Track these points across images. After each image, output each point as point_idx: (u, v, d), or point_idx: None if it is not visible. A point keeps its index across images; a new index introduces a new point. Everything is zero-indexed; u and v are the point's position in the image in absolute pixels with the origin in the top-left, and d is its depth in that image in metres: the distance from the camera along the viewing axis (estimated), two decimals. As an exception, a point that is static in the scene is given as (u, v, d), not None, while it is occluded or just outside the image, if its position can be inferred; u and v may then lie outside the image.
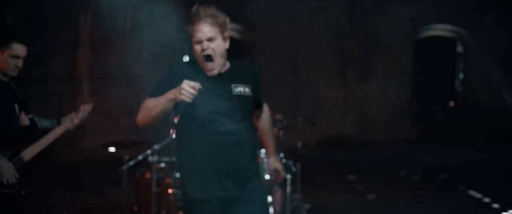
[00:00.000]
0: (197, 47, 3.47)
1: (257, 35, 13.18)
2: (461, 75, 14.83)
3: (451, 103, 14.88)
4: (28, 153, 4.39)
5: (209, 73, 3.51)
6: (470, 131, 13.97)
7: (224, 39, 3.53)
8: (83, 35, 12.06)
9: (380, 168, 11.03)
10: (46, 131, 4.60)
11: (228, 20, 3.55)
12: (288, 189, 6.30)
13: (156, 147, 6.22)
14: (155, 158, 6.18)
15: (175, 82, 3.38)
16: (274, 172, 4.21)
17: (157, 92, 3.53)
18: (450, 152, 12.48)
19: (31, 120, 4.60)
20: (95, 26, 11.82)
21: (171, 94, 3.36)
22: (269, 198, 5.90)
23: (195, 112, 3.49)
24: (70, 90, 11.73)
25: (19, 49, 4.34)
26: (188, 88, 3.24)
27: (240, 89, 3.59)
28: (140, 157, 6.57)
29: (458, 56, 14.87)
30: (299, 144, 6.77)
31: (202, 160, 3.53)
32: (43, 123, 4.72)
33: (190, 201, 3.61)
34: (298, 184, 6.53)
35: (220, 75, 3.57)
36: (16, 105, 4.44)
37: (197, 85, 3.27)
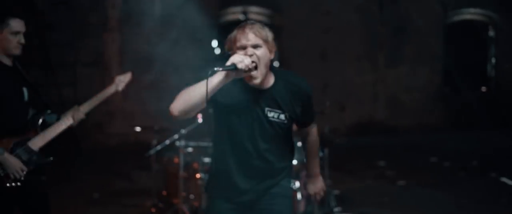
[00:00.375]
0: (241, 54, 3.24)
1: (285, 20, 13.10)
2: (493, 60, 14.60)
3: (483, 88, 14.67)
4: (35, 143, 4.21)
5: (251, 82, 3.30)
6: (502, 116, 13.74)
7: (269, 50, 3.31)
8: (112, 20, 12.11)
9: (410, 153, 10.93)
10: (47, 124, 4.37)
11: (272, 36, 3.34)
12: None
13: (183, 131, 6.21)
14: (183, 142, 6.17)
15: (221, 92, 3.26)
16: (314, 196, 3.92)
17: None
18: (481, 137, 12.29)
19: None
20: (125, 10, 11.87)
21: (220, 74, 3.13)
22: (296, 184, 5.88)
23: (227, 119, 3.40)
24: (100, 75, 11.78)
25: (17, 24, 4.15)
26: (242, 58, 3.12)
27: (273, 115, 3.39)
28: (167, 142, 6.58)
29: (490, 41, 14.64)
30: (326, 129, 6.70)
31: (229, 169, 3.47)
32: (42, 116, 4.54)
33: (212, 202, 3.66)
34: (326, 169, 6.47)
35: (259, 91, 3.37)
36: (24, 90, 4.25)
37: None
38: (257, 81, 3.27)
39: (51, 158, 4.26)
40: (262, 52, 3.26)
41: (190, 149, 6.34)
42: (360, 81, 13.55)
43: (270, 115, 3.38)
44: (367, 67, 13.60)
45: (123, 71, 4.69)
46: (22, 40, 4.17)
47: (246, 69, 3.12)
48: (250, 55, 3.20)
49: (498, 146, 11.38)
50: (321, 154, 6.45)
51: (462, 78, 13.78)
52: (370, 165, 9.85)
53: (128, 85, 4.62)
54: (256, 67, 3.22)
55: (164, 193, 6.75)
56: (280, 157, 3.53)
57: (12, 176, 4.08)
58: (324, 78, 12.99)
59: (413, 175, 8.95)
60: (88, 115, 4.43)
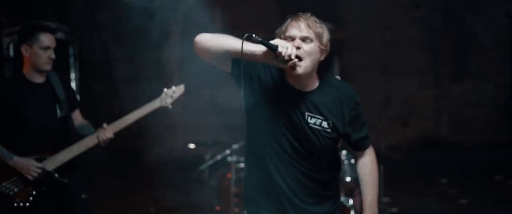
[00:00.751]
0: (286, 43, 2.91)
1: (347, 33, 12.96)
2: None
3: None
4: (50, 163, 4.11)
5: (291, 79, 3.05)
6: None
7: (320, 49, 3.01)
8: (174, 34, 12.25)
9: (474, 171, 10.60)
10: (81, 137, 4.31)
11: (328, 33, 3.05)
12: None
13: (234, 146, 6.18)
14: (234, 157, 6.14)
15: (251, 75, 3.10)
16: None
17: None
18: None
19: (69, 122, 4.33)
20: (186, 24, 11.99)
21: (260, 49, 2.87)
22: (350, 201, 5.75)
23: (261, 119, 3.12)
24: (162, 89, 11.91)
25: (47, 39, 4.09)
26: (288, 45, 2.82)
27: (314, 121, 3.07)
28: (218, 157, 6.57)
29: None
30: (383, 145, 6.56)
31: (257, 176, 3.22)
32: (84, 130, 4.48)
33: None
34: (381, 187, 6.32)
35: (300, 93, 3.08)
36: (57, 106, 4.22)
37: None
38: (298, 72, 2.93)
39: (66, 180, 4.16)
40: (312, 48, 2.96)
41: (242, 164, 6.29)
42: (424, 96, 13.30)
43: (311, 121, 3.06)
44: (431, 82, 13.34)
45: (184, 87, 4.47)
46: (53, 56, 4.12)
47: (287, 58, 2.80)
48: (297, 48, 2.90)
49: None
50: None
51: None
52: (431, 182, 9.61)
53: (181, 99, 4.46)
54: (300, 60, 2.92)
55: (218, 208, 6.72)
56: (324, 174, 3.22)
57: (30, 177, 4.02)
58: (387, 93, 12.80)
59: (476, 193, 8.67)
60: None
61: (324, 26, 3.04)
